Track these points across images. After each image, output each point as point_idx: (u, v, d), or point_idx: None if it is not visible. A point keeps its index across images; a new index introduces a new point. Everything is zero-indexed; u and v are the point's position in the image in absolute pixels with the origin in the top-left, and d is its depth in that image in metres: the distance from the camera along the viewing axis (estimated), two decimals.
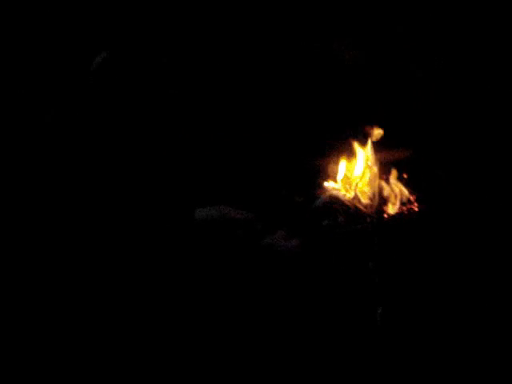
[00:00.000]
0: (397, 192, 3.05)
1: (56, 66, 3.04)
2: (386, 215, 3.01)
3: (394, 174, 3.07)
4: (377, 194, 3.03)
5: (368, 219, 2.98)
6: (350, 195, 3.05)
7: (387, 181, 3.07)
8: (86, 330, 2.55)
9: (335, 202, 3.05)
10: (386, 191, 3.06)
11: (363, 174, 3.07)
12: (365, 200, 3.05)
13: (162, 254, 2.73)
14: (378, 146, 3.08)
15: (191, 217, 2.82)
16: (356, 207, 3.01)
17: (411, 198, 3.04)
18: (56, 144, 2.80)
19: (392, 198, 3.05)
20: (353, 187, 3.07)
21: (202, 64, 3.03)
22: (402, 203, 3.04)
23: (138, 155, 2.71)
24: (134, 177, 2.71)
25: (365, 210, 3.01)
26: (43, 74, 3.04)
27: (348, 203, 3.03)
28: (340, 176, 3.09)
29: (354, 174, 3.08)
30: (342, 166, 3.09)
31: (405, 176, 3.08)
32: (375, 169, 3.07)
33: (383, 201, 3.04)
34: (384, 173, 3.08)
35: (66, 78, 2.97)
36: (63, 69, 3.01)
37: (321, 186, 3.09)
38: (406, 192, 3.05)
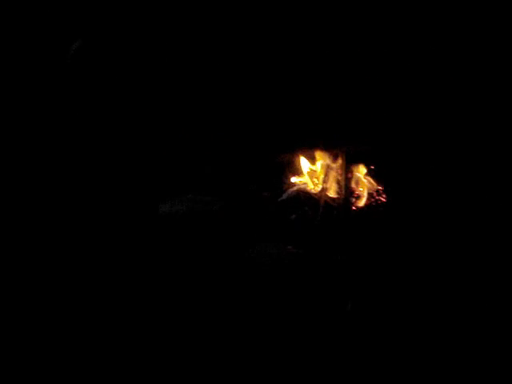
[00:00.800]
0: (364, 184, 3.04)
1: (32, 55, 2.99)
2: (354, 207, 3.00)
3: (361, 166, 3.06)
4: (343, 187, 3.02)
5: (335, 212, 2.98)
6: (317, 189, 3.05)
7: (354, 173, 3.06)
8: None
9: (303, 195, 3.05)
10: (354, 183, 3.05)
11: (329, 167, 3.07)
12: (332, 193, 3.05)
13: (129, 250, 2.71)
14: (345, 139, 3.08)
15: (155, 211, 2.80)
16: (324, 200, 3.00)
17: (379, 189, 3.04)
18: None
19: (359, 190, 3.05)
20: (320, 181, 3.07)
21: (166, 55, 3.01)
22: (370, 195, 3.03)
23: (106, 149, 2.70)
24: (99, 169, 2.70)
25: (332, 202, 3.00)
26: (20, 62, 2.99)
27: (315, 196, 3.03)
28: (306, 170, 3.09)
29: (320, 168, 3.08)
30: (308, 160, 3.09)
31: (372, 167, 3.07)
32: (342, 161, 3.06)
33: (351, 193, 3.03)
34: (351, 165, 3.08)
35: (43, 66, 2.94)
36: (40, 57, 2.97)
37: (288, 181, 3.09)
38: (373, 183, 3.04)
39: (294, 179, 3.08)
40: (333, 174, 3.05)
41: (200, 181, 3.04)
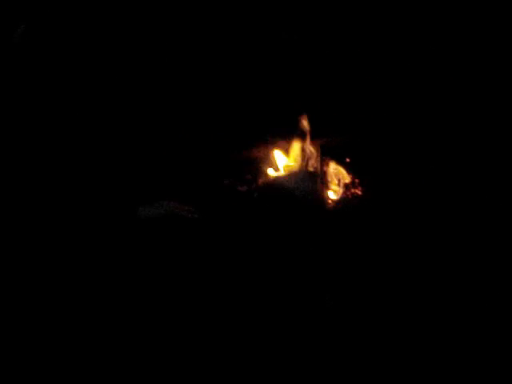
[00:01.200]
0: (340, 177, 3.03)
1: None
2: (329, 200, 2.98)
3: (336, 159, 3.05)
4: (319, 180, 3.00)
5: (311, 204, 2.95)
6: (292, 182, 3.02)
7: (329, 166, 3.05)
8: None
9: (278, 189, 3.02)
10: (329, 176, 3.03)
11: (304, 160, 3.05)
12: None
13: (107, 257, 2.62)
14: (320, 132, 3.07)
15: (134, 216, 2.71)
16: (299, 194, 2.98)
17: (355, 182, 3.03)
18: None
19: (335, 183, 3.03)
20: None
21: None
22: (346, 188, 3.02)
23: (61, 143, 2.59)
24: (59, 171, 2.59)
25: (308, 196, 2.97)
26: None
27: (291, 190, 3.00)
28: (282, 164, 3.06)
29: (295, 162, 3.06)
30: (283, 153, 3.06)
31: (347, 160, 3.06)
32: (317, 155, 3.05)
33: (326, 186, 3.01)
34: (326, 158, 3.07)
35: None
36: None
37: (263, 175, 3.06)
38: (348, 177, 3.03)
39: (269, 173, 3.05)
40: (308, 168, 3.04)
41: (177, 185, 2.97)
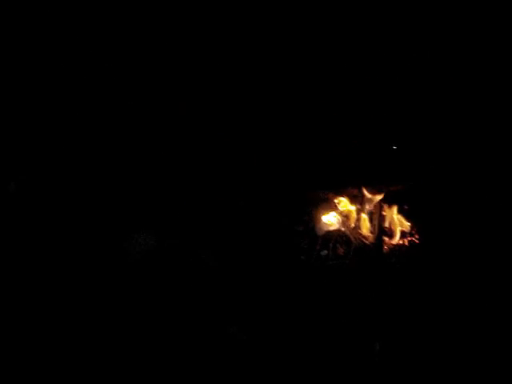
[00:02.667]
0: (397, 223, 3.04)
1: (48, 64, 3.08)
2: (386, 246, 3.00)
3: (395, 205, 3.07)
4: (377, 226, 3.02)
5: (368, 250, 2.97)
6: (350, 226, 3.05)
7: (388, 212, 3.06)
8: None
9: (335, 232, 3.06)
10: (387, 223, 3.05)
11: (363, 205, 3.08)
12: (365, 231, 3.05)
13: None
14: (380, 178, 3.09)
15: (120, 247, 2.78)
16: (356, 238, 3.00)
17: (412, 229, 3.03)
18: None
19: (393, 230, 3.04)
20: (353, 218, 3.08)
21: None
22: (403, 235, 3.02)
23: None
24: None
25: (365, 241, 3.00)
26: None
27: (348, 234, 3.03)
28: (340, 207, 3.10)
29: (354, 206, 3.10)
30: (343, 197, 3.10)
31: (406, 208, 3.07)
32: (376, 201, 3.07)
33: (384, 232, 3.03)
34: (385, 204, 3.09)
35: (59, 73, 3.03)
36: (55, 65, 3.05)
37: (321, 217, 3.10)
38: (406, 223, 3.04)
39: (327, 216, 3.09)
40: (366, 213, 3.06)
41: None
